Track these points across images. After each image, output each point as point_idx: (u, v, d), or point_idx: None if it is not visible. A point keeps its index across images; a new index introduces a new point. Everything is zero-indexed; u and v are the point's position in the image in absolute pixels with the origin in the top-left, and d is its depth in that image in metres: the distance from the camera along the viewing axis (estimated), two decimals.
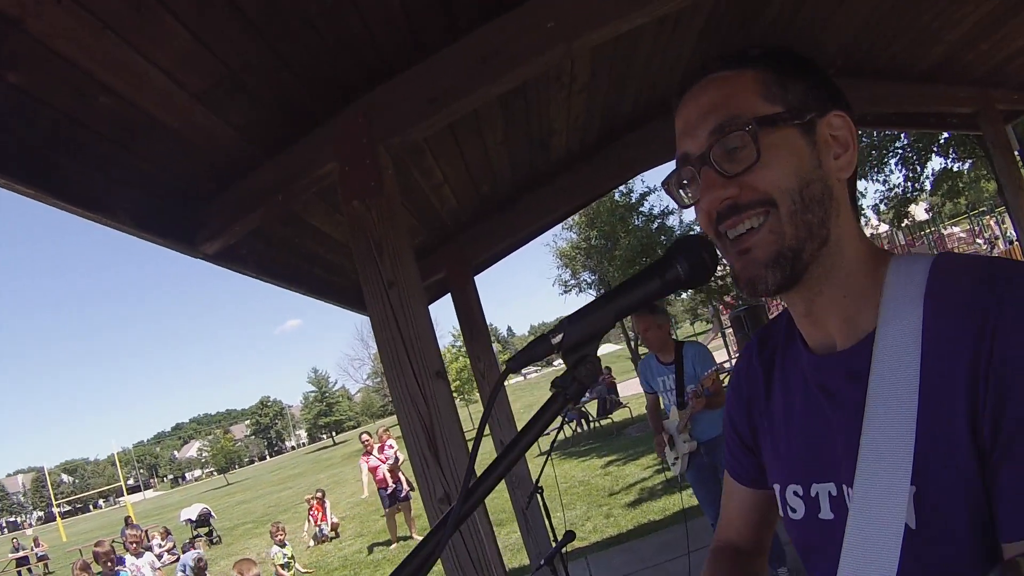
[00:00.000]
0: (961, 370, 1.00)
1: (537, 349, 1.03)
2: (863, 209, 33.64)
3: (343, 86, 3.23)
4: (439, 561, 3.12)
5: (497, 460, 0.96)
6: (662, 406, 6.88)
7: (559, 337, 1.02)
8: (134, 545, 11.94)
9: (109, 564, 10.05)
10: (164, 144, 3.06)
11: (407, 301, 3.15)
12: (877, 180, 29.18)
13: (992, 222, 38.38)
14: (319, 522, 20.10)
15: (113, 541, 11.27)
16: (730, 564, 1.62)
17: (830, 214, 1.16)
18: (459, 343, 46.67)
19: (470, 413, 39.26)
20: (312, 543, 19.62)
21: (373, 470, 16.26)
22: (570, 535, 4.57)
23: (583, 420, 27.62)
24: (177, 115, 2.90)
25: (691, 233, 1.17)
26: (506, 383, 7.28)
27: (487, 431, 6.63)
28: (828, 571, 1.19)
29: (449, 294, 7.24)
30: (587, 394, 27.63)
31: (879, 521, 1.05)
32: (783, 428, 1.34)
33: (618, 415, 27.41)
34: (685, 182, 1.25)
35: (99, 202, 3.00)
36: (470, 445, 1.07)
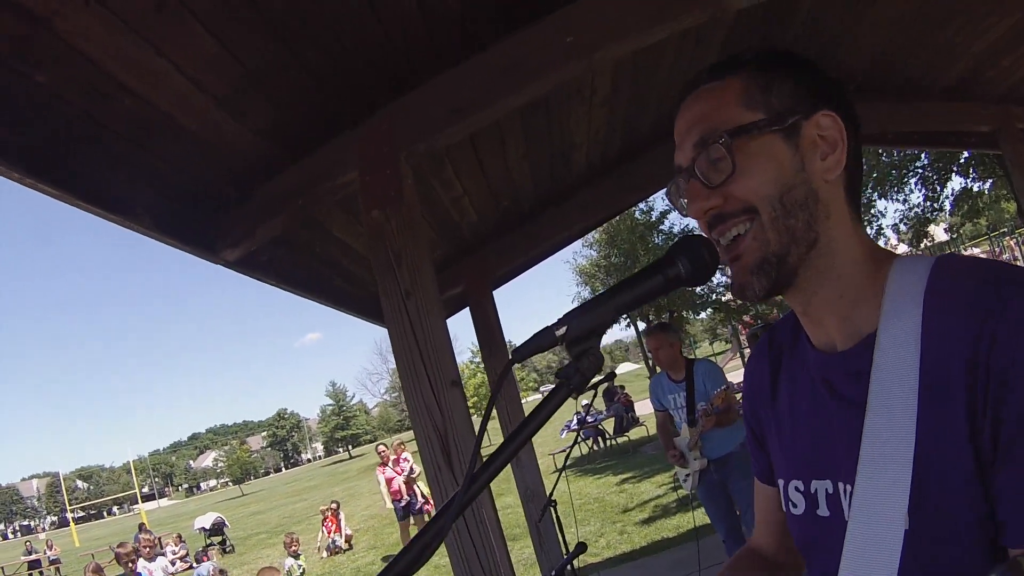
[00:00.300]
0: (959, 369, 1.01)
1: (541, 340, 1.04)
2: (882, 229, 33.47)
3: (364, 94, 3.26)
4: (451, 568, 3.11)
5: (501, 448, 0.98)
6: (674, 423, 6.89)
7: (563, 329, 1.03)
8: (147, 549, 12.02)
9: (131, 565, 10.14)
10: (183, 147, 3.09)
11: (424, 311, 3.16)
12: (897, 199, 29.11)
13: (1012, 243, 38.22)
14: (332, 533, 20.12)
15: (119, 546, 11.35)
16: (746, 565, 1.64)
17: (816, 217, 1.17)
18: (477, 359, 46.74)
19: (487, 430, 39.19)
20: (325, 554, 19.63)
21: (389, 481, 16.28)
22: (581, 546, 4.56)
23: (599, 438, 27.55)
24: (197, 118, 2.93)
25: (693, 233, 1.18)
26: (524, 400, 7.32)
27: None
28: (826, 567, 1.21)
29: (467, 308, 7.25)
30: (604, 412, 27.66)
31: (880, 521, 1.06)
32: (789, 425, 1.36)
33: (635, 433, 27.34)
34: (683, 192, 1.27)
35: (120, 205, 3.02)
36: (485, 457, 1.08)
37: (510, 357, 1.05)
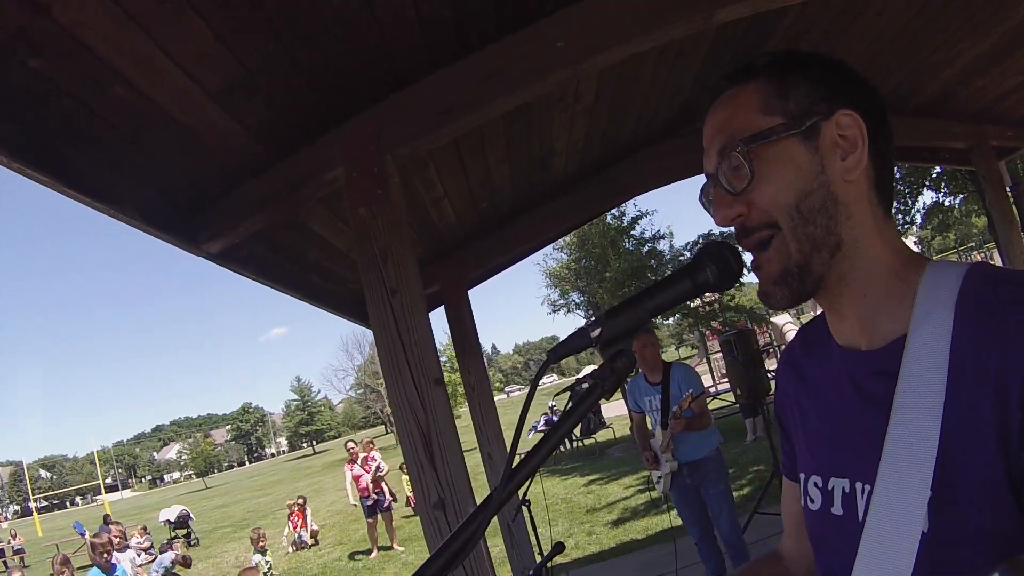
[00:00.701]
0: (988, 380, 1.01)
1: (577, 342, 1.09)
2: None
3: (355, 94, 3.27)
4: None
5: (535, 448, 1.02)
6: (649, 426, 6.92)
7: (597, 331, 1.08)
8: (118, 540, 11.96)
9: (105, 556, 10.04)
10: (176, 140, 3.09)
11: (409, 309, 3.18)
12: None
13: (979, 256, 38.69)
14: (298, 528, 20.03)
15: (94, 536, 11.26)
16: (757, 567, 1.66)
17: (837, 220, 1.17)
18: (443, 358, 46.46)
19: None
20: (291, 549, 19.54)
21: (356, 479, 16.27)
22: (559, 546, 4.58)
23: (566, 439, 27.52)
24: (191, 112, 2.93)
25: (718, 239, 1.23)
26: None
27: (474, 445, 6.65)
28: (831, 565, 1.23)
29: (442, 307, 7.24)
30: None
31: (898, 523, 1.06)
32: (815, 421, 1.36)
33: (601, 435, 27.35)
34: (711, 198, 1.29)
35: (108, 194, 3.02)
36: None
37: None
